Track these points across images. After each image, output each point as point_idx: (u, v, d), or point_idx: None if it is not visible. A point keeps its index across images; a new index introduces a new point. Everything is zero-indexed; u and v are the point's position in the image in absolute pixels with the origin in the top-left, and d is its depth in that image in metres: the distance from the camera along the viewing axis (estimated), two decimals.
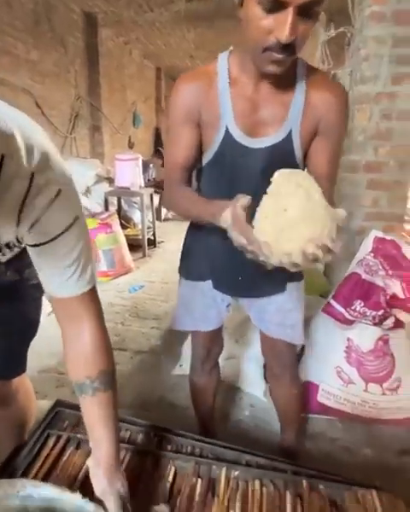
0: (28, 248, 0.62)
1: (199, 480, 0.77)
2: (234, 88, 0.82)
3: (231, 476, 0.78)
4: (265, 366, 1.73)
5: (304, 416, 1.45)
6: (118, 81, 5.94)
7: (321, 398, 1.43)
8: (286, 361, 1.09)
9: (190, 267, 1.04)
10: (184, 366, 1.76)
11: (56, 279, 0.63)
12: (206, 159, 0.89)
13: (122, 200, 4.00)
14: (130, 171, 3.46)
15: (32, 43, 3.71)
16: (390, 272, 1.48)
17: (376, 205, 1.80)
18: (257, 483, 0.77)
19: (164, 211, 5.23)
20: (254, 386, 1.63)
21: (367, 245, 1.59)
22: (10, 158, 0.46)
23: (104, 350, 0.70)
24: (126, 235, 3.39)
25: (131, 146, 6.48)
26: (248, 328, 1.72)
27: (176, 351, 1.85)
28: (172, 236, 4.21)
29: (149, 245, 3.76)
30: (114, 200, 3.88)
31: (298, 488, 0.77)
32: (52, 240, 0.58)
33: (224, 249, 0.84)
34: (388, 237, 1.58)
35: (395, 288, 1.46)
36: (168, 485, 0.75)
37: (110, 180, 4.09)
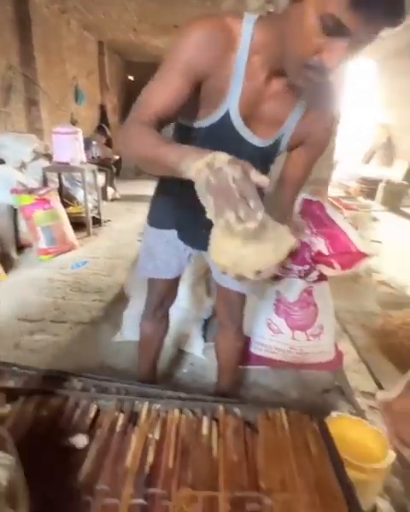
0: None
1: (121, 415, 0.80)
2: (250, 68, 0.73)
3: (152, 409, 0.82)
4: (205, 324, 1.80)
5: (240, 368, 1.54)
6: (56, 53, 5.56)
7: (254, 349, 1.52)
8: (236, 313, 1.14)
9: (156, 216, 1.06)
10: (125, 334, 1.77)
11: None
12: (192, 123, 0.83)
13: (63, 178, 3.83)
14: (69, 146, 3.31)
15: None
16: (315, 230, 1.58)
17: None
18: (177, 411, 0.82)
19: (111, 190, 5.09)
20: (194, 346, 1.69)
21: (295, 207, 1.68)
22: None
23: None
24: (69, 214, 3.27)
25: (73, 123, 6.16)
26: (190, 293, 1.77)
27: (117, 321, 1.86)
28: (120, 216, 4.13)
29: (94, 224, 3.65)
30: (54, 178, 3.70)
31: (215, 413, 0.83)
32: None
33: (188, 203, 0.79)
34: (314, 199, 1.68)
35: (320, 245, 1.57)
36: (89, 421, 0.77)
37: (50, 157, 3.88)
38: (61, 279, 2.47)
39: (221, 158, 0.51)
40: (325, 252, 1.56)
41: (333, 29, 0.57)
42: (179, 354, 1.72)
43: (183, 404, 0.84)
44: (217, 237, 0.56)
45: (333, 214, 1.64)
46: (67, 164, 3.31)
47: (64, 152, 3.34)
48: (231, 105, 0.76)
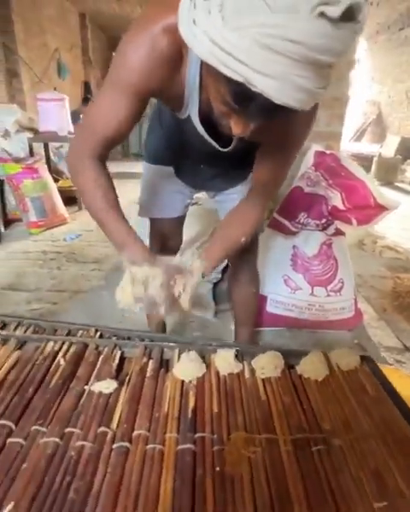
0: None
1: (150, 361, 0.70)
2: (205, 80, 0.61)
3: (183, 353, 0.72)
4: (214, 288, 1.71)
5: (255, 330, 1.46)
6: (35, 23, 5.22)
7: (270, 307, 1.44)
8: (248, 256, 1.07)
9: (152, 152, 0.99)
10: None
11: None
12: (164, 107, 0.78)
13: (51, 152, 3.61)
14: (56, 114, 3.10)
15: None
16: (331, 182, 1.49)
17: (315, 124, 1.79)
18: (212, 356, 0.72)
19: None
20: (204, 308, 1.60)
21: (308, 160, 1.57)
22: None
23: None
24: (59, 188, 3.09)
25: None
26: (197, 253, 1.66)
27: None
28: None
29: None
30: (40, 151, 3.48)
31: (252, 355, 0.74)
32: None
33: (181, 140, 0.81)
34: (327, 151, 1.58)
35: (336, 199, 1.48)
36: (114, 367, 0.67)
37: (34, 131, 3.65)
38: (54, 251, 2.33)
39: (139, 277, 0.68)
40: (341, 206, 1.47)
41: (232, 108, 0.51)
42: (186, 317, 1.63)
43: (217, 350, 0.75)
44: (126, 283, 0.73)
45: (349, 165, 1.55)
46: (55, 133, 3.10)
47: (50, 120, 3.13)
48: (192, 113, 0.70)
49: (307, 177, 1.52)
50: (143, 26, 0.58)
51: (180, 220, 1.11)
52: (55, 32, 5.97)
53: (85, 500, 0.45)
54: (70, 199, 3.24)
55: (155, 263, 0.69)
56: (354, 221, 1.47)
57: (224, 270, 1.69)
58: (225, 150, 0.77)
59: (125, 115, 0.64)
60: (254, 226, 0.83)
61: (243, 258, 1.10)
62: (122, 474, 0.48)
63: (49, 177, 2.83)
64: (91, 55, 7.69)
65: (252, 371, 0.70)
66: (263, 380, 0.68)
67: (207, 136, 0.74)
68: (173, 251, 1.17)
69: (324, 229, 1.42)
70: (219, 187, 1.01)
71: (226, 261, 1.44)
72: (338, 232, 1.45)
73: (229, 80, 0.45)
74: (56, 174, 3.62)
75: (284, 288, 1.41)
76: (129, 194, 4.12)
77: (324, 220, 1.43)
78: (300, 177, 1.54)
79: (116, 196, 0.71)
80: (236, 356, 0.70)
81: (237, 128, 0.54)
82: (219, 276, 1.69)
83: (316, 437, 0.56)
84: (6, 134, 3.05)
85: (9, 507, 0.43)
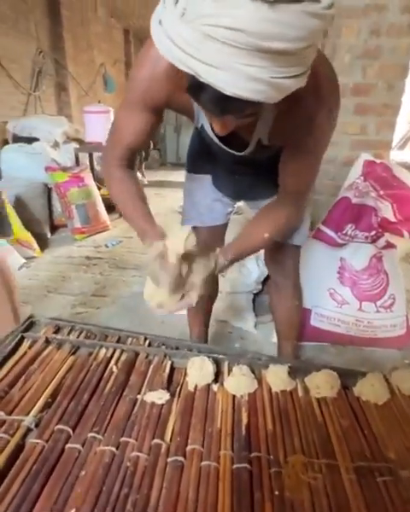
0: None
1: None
2: None
3: (234, 367, 0.71)
4: (254, 299, 1.68)
5: (298, 343, 1.41)
6: (83, 39, 5.52)
7: (314, 321, 1.39)
8: (289, 269, 1.06)
9: (192, 161, 1.02)
10: None
11: None
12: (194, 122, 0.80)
13: (95, 161, 3.76)
14: (101, 125, 3.23)
15: None
16: (382, 192, 1.42)
17: (363, 132, 1.73)
18: (264, 371, 0.70)
19: (139, 176, 5.02)
20: (244, 319, 1.57)
21: (357, 169, 1.52)
22: None
23: None
24: (102, 196, 3.20)
25: None
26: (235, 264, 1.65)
27: None
28: (150, 200, 4.01)
29: None
30: (85, 161, 3.64)
31: (305, 372, 0.71)
32: None
33: (214, 160, 0.86)
34: (378, 160, 1.52)
35: (387, 211, 1.42)
36: (165, 377, 0.67)
37: (80, 141, 3.84)
38: (97, 257, 2.40)
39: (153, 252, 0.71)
40: (392, 218, 1.41)
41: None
42: (226, 326, 1.61)
43: (268, 363, 0.73)
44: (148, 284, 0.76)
45: (401, 174, 1.48)
46: (100, 143, 3.23)
47: (96, 132, 3.27)
48: (204, 122, 0.74)
49: (355, 188, 1.46)
50: (146, 49, 0.64)
51: (222, 229, 1.11)
52: (101, 47, 6.28)
53: None
54: (111, 206, 3.34)
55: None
56: (406, 233, 1.39)
57: (264, 281, 1.66)
58: (241, 154, 0.77)
59: (140, 127, 0.72)
60: (279, 225, 0.81)
61: (285, 270, 1.08)
62: (178, 491, 0.48)
63: (93, 186, 2.95)
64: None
65: (306, 389, 0.67)
66: (318, 399, 0.65)
67: (219, 143, 0.76)
68: None
69: (373, 241, 1.36)
70: (256, 197, 1.00)
71: (267, 272, 1.42)
72: (389, 245, 1.38)
73: (187, 76, 0.46)
74: (99, 182, 3.76)
75: (330, 302, 1.35)
76: (167, 201, 4.19)
77: (373, 232, 1.37)
78: (347, 187, 1.49)
79: (139, 193, 0.78)
80: (288, 372, 0.68)
81: (216, 126, 0.55)
82: (260, 287, 1.67)
83: (381, 466, 0.52)
84: (55, 145, 3.22)
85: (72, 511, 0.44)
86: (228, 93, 0.43)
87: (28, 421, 0.55)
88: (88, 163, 3.62)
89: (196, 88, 0.47)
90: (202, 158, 0.97)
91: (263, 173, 0.89)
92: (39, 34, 4.32)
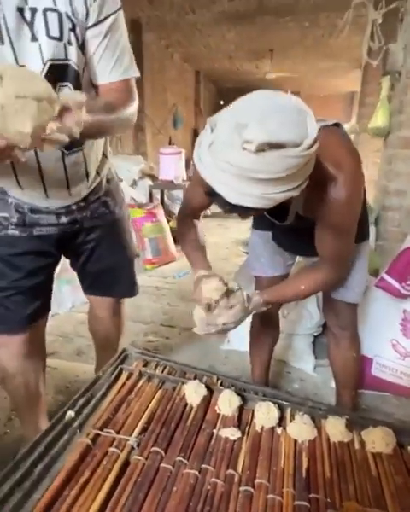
0: (88, 40, 0.82)
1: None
2: None
3: (296, 414, 0.81)
4: (314, 341, 1.73)
5: (357, 392, 1.43)
6: (160, 83, 6.15)
7: (376, 371, 1.41)
8: (347, 322, 1.11)
9: (257, 221, 1.18)
10: (231, 342, 1.80)
11: (108, 66, 0.85)
12: None
13: (165, 196, 4.13)
14: (173, 165, 3.57)
15: None
16: None
17: None
18: (323, 421, 0.79)
19: None
20: (303, 361, 1.63)
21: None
22: None
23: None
24: (171, 228, 3.50)
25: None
26: (296, 304, 1.73)
27: None
28: (213, 231, 4.28)
29: None
30: (156, 195, 4.01)
31: (361, 426, 0.78)
32: (108, 17, 0.81)
33: (276, 214, 0.97)
34: None
35: None
36: (235, 416, 0.79)
37: (153, 177, 4.24)
38: (166, 287, 2.63)
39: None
40: None
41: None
42: (285, 366, 1.68)
43: (327, 415, 0.81)
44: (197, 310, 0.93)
45: None
46: (172, 182, 3.57)
47: (169, 171, 3.61)
48: None
49: None
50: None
51: (282, 278, 1.20)
52: (174, 89, 6.90)
53: None
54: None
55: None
56: None
57: (324, 325, 1.71)
58: (283, 224, 0.94)
59: (202, 201, 0.95)
60: (317, 282, 0.93)
61: (342, 322, 1.13)
62: None
63: (164, 221, 3.24)
64: (202, 106, 8.60)
65: (362, 443, 0.74)
66: (373, 454, 0.72)
67: (265, 213, 0.90)
68: (276, 308, 1.28)
69: None
70: (311, 254, 1.07)
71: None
72: None
73: (207, 184, 0.67)
74: (168, 215, 4.10)
75: (392, 353, 1.37)
76: (230, 232, 4.33)
77: None
78: None
79: (198, 240, 1.04)
80: (346, 425, 0.76)
81: (239, 216, 0.75)
82: (320, 329, 1.72)
83: None
84: (134, 183, 3.62)
85: None
86: (232, 201, 0.64)
87: (132, 441, 0.70)
88: (159, 197, 3.99)
89: (212, 193, 0.67)
90: (261, 218, 1.09)
91: (312, 235, 1.00)
92: None
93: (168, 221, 3.88)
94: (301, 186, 0.64)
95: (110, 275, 1.13)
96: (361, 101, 5.36)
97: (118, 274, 1.15)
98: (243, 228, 4.37)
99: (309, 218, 0.85)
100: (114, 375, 0.88)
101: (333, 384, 1.35)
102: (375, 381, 1.42)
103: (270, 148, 0.57)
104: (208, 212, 5.50)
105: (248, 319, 1.30)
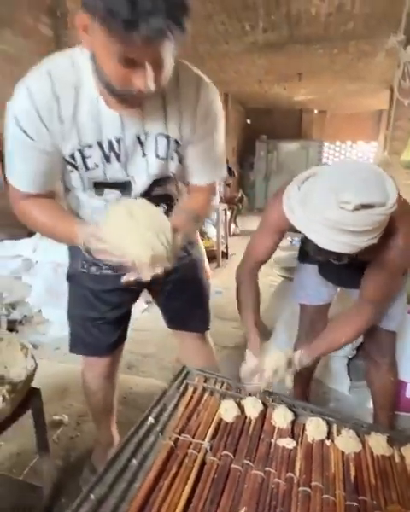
0: (188, 152, 0.91)
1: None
2: None
3: (342, 430, 0.93)
4: (349, 363, 1.82)
5: (394, 413, 1.51)
6: None
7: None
8: (386, 349, 1.22)
9: (302, 252, 1.30)
10: None
11: (199, 172, 0.97)
12: None
13: None
14: None
15: None
16: None
17: None
18: (366, 437, 0.91)
19: (232, 226, 5.51)
20: (339, 382, 1.73)
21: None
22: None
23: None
24: (205, 248, 3.68)
25: None
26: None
27: None
28: (241, 249, 4.44)
29: (222, 257, 4.01)
30: None
31: (400, 443, 0.89)
32: (209, 135, 0.90)
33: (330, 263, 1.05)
34: None
35: None
36: (290, 429, 0.92)
37: None
38: None
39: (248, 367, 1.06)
40: None
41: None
42: (321, 386, 1.77)
43: (369, 431, 0.93)
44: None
45: None
46: None
47: None
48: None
49: None
50: (274, 200, 0.98)
51: (326, 307, 1.35)
52: None
53: None
54: (209, 258, 3.80)
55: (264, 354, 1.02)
56: None
57: (359, 347, 1.80)
58: (338, 263, 1.02)
59: (268, 248, 1.08)
60: (357, 331, 1.03)
61: (381, 349, 1.24)
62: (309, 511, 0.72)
63: (200, 241, 3.42)
64: (230, 127, 8.90)
65: (402, 457, 0.86)
66: None
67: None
68: (318, 332, 1.39)
69: None
70: (355, 285, 1.16)
71: (361, 338, 1.58)
72: None
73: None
74: (200, 235, 4.30)
75: None
76: None
77: None
78: None
79: (257, 299, 1.12)
80: (387, 441, 0.88)
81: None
82: (354, 352, 1.81)
83: None
84: None
85: (243, 510, 0.71)
86: (324, 247, 0.79)
87: (206, 444, 0.85)
88: None
89: (305, 240, 0.83)
90: (307, 252, 1.24)
91: (360, 270, 1.12)
92: None
93: (202, 240, 4.07)
94: (379, 235, 0.79)
95: (187, 311, 1.24)
96: (393, 124, 5.42)
97: (194, 311, 1.26)
98: None
99: (361, 259, 0.98)
100: (181, 389, 1.04)
101: (368, 405, 1.45)
102: (409, 403, 1.50)
103: (363, 208, 0.72)
104: (238, 230, 5.71)
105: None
